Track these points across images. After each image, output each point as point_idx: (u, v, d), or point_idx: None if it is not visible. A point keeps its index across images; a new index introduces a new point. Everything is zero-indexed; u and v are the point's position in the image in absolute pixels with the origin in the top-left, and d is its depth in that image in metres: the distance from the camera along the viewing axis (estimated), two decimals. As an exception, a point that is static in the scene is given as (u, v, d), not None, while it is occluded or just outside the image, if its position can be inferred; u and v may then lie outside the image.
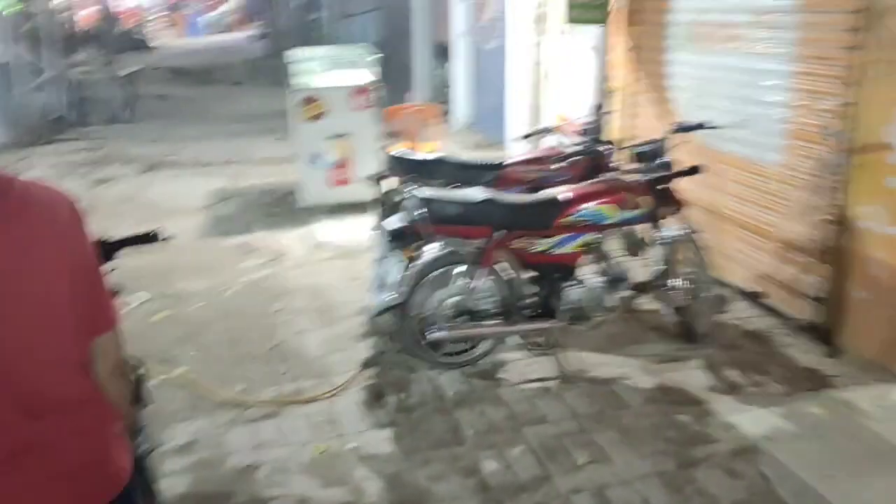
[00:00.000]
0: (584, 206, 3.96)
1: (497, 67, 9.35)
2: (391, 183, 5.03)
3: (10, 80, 13.41)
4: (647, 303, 4.93)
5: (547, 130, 5.39)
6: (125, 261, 5.91)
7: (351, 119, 6.94)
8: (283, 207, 7.58)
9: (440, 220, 3.78)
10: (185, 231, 6.92)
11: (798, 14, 4.36)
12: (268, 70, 18.73)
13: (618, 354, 4.32)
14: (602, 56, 6.52)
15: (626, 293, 4.87)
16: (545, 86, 7.98)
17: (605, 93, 6.59)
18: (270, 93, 15.96)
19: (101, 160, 10.12)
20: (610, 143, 5.24)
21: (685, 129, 4.23)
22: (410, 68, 13.31)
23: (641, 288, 4.82)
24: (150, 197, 8.27)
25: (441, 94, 12.37)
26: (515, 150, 7.26)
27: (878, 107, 3.84)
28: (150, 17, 37.90)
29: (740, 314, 4.81)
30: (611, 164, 4.49)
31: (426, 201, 3.75)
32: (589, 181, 4.23)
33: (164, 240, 2.77)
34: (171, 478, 3.33)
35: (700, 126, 4.21)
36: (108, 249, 2.62)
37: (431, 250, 3.89)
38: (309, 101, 6.86)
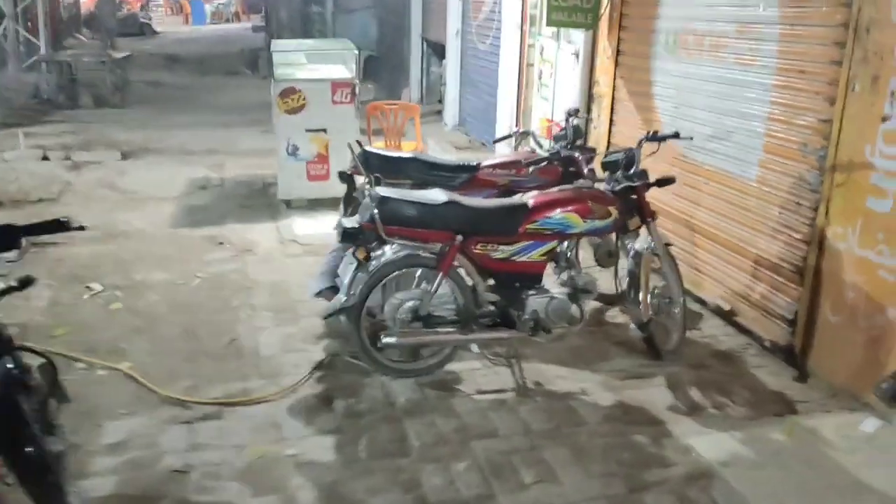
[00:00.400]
0: (550, 213, 3.81)
1: (490, 68, 9.22)
2: (361, 179, 4.89)
3: (3, 60, 13.30)
4: (615, 316, 4.81)
5: (524, 134, 5.24)
6: (87, 249, 5.77)
7: (331, 113, 6.78)
8: (259, 200, 7.44)
9: (397, 222, 3.62)
10: (156, 219, 6.79)
11: (782, 26, 4.22)
12: (264, 61, 18.58)
13: (580, 368, 4.18)
14: (588, 61, 6.39)
15: (592, 305, 4.77)
16: (536, 88, 7.83)
17: (590, 98, 6.46)
18: (264, 84, 15.82)
19: (83, 144, 9.96)
20: (592, 149, 5.12)
21: (658, 138, 4.09)
22: (407, 65, 13.20)
23: (609, 300, 4.70)
24: (128, 183, 8.11)
25: (437, 93, 12.25)
26: (502, 152, 7.13)
27: (860, 124, 3.69)
28: (156, 3, 37.78)
29: (711, 332, 4.67)
30: (584, 171, 4.34)
31: (383, 201, 3.60)
32: (558, 188, 4.08)
33: (79, 228, 2.61)
34: (98, 477, 3.18)
35: (673, 136, 4.07)
36: (13, 235, 2.47)
37: (387, 252, 3.74)
38: (289, 92, 6.71)
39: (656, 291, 4.21)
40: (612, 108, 6.13)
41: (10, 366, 2.43)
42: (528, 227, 3.79)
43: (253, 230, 6.49)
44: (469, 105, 10.30)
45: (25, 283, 2.46)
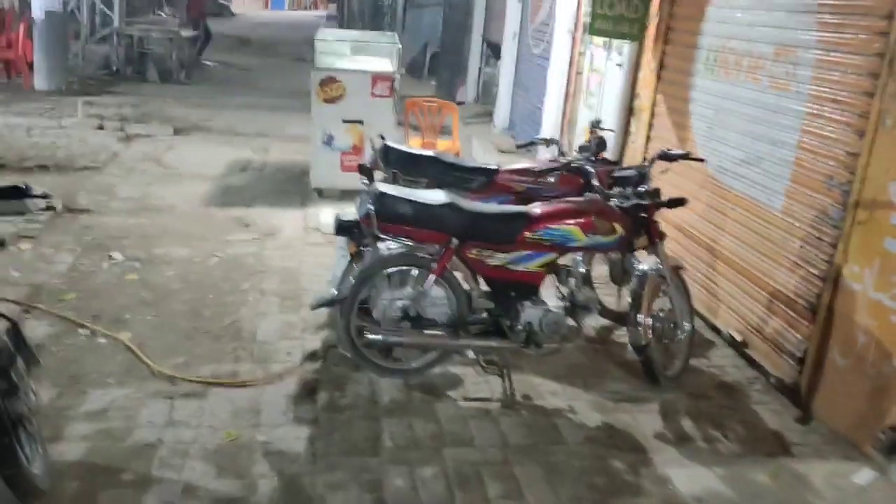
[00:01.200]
0: (551, 224, 3.72)
1: (541, 73, 9.10)
2: (379, 174, 4.87)
3: (77, 30, 13.74)
4: (623, 335, 4.68)
5: (549, 142, 5.14)
6: (116, 219, 5.90)
7: (369, 105, 6.80)
8: (294, 186, 7.50)
9: (393, 219, 3.59)
10: (190, 196, 6.91)
11: (818, 51, 4.04)
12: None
13: (574, 386, 4.07)
14: (631, 73, 6.24)
15: (600, 322, 4.66)
16: (583, 97, 7.70)
17: (630, 111, 6.32)
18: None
19: (139, 117, 10.23)
20: (614, 162, 5.02)
21: (669, 157, 3.96)
22: (466, 65, 13.17)
23: (618, 318, 4.59)
24: (172, 159, 8.30)
25: (491, 94, 12.17)
26: (542, 158, 7.02)
27: (887, 160, 3.50)
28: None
29: (720, 362, 4.50)
30: (597, 184, 4.22)
31: (379, 197, 3.57)
32: (565, 199, 3.99)
33: (41, 196, 2.64)
34: (70, 443, 3.24)
35: (684, 156, 3.93)
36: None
37: (382, 249, 3.70)
38: (329, 81, 6.74)
39: (661, 315, 4.08)
40: (650, 124, 5.98)
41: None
42: (527, 236, 3.71)
43: (280, 215, 6.55)
44: (518, 108, 10.21)
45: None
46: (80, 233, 5.72)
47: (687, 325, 4.18)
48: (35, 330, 4.19)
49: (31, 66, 11.71)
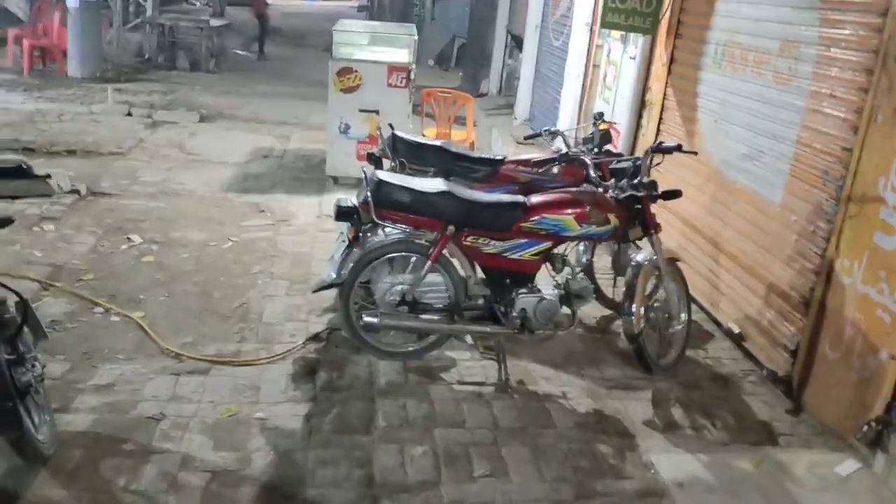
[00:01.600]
0: (546, 214, 3.81)
1: (560, 65, 9.14)
2: (387, 162, 4.99)
3: (110, 18, 14.03)
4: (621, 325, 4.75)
5: (554, 133, 5.21)
6: (137, 202, 6.08)
7: (385, 95, 6.92)
8: (312, 174, 7.66)
9: (391, 206, 3.70)
10: (210, 182, 7.09)
11: (819, 47, 4.06)
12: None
13: (569, 372, 4.16)
14: (644, 67, 6.27)
15: (602, 311, 4.74)
16: (599, 90, 7.73)
17: (642, 104, 6.35)
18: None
19: (167, 104, 10.46)
20: (619, 154, 5.08)
21: (662, 149, 4.01)
22: (490, 57, 13.22)
23: (612, 308, 4.66)
24: (195, 145, 8.49)
25: (513, 85, 12.22)
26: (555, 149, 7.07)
27: (878, 155, 3.53)
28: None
29: (717, 354, 4.55)
30: (593, 175, 4.28)
31: (378, 184, 3.69)
32: (561, 189, 4.07)
33: (45, 176, 2.79)
34: (77, 414, 3.41)
35: (676, 148, 3.98)
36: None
37: (381, 235, 3.82)
38: (346, 72, 6.88)
39: (655, 305, 4.14)
40: (660, 117, 6.01)
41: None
42: (522, 225, 3.81)
43: (296, 202, 6.70)
44: (539, 100, 10.26)
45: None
46: (101, 216, 5.92)
47: (682, 316, 4.24)
48: (53, 307, 4.39)
49: (65, 53, 12.02)
